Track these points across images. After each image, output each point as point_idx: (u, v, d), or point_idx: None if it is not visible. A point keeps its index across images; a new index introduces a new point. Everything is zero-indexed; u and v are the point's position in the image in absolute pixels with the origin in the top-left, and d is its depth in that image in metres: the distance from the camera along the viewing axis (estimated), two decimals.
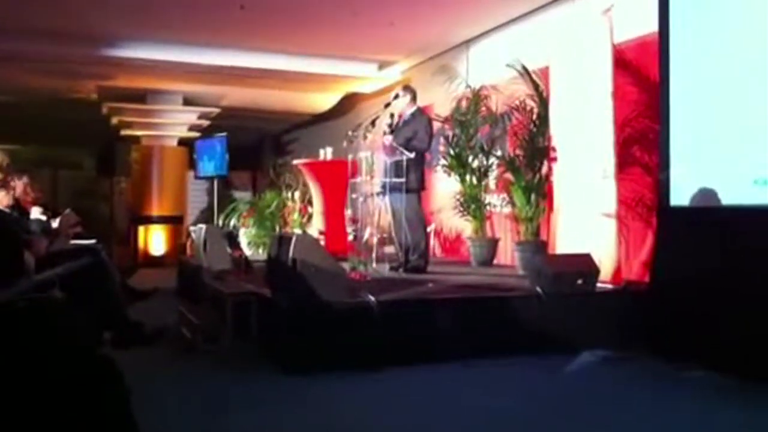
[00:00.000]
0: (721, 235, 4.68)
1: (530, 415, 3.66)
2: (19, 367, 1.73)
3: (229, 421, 3.51)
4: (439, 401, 3.90)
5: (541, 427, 3.44)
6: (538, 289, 5.07)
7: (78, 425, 1.62)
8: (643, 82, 5.97)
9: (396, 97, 6.65)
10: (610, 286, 5.44)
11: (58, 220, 6.54)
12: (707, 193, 4.88)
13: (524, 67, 6.82)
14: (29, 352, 1.81)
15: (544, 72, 6.63)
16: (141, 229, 12.89)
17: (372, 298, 4.68)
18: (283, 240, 5.06)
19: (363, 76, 10.52)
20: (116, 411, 1.76)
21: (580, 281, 5.18)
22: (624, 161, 5.88)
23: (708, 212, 4.90)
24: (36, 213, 6.56)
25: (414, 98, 6.70)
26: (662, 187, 5.25)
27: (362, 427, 3.44)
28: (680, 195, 5.08)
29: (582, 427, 3.44)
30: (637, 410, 3.74)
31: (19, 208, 6.25)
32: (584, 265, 5.26)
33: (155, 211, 12.80)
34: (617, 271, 5.59)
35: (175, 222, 12.89)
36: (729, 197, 4.73)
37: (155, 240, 12.81)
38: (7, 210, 5.46)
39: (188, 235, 10.38)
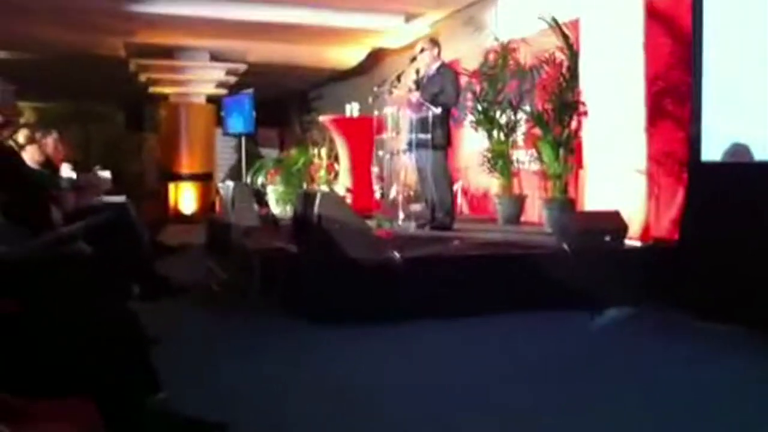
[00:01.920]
0: (753, 191, 4.58)
1: (553, 370, 3.66)
2: (44, 316, 1.76)
3: (251, 370, 3.56)
4: (460, 357, 3.93)
5: (564, 382, 3.44)
6: (565, 246, 5.03)
7: (99, 373, 1.65)
8: (676, 34, 5.79)
9: (422, 51, 6.54)
10: (638, 243, 5.37)
11: (88, 176, 6.63)
12: (740, 149, 4.77)
13: (554, 19, 6.66)
14: (52, 302, 1.84)
15: (575, 24, 6.47)
16: (171, 185, 13.01)
17: (397, 255, 4.68)
18: (308, 197, 5.07)
19: (389, 29, 10.35)
20: (136, 360, 1.79)
21: (607, 238, 5.12)
22: (655, 115, 5.75)
23: (740, 168, 4.79)
24: (66, 170, 6.64)
25: (439, 53, 6.59)
26: (693, 143, 5.14)
27: (381, 381, 3.47)
28: (712, 150, 4.97)
29: (605, 381, 3.43)
30: (660, 364, 3.73)
31: (50, 164, 6.33)
32: (612, 222, 5.19)
33: (184, 168, 12.89)
34: (646, 229, 5.52)
35: (204, 179, 12.98)
36: (761, 153, 4.62)
37: (185, 197, 12.93)
38: (37, 166, 5.53)
39: (217, 192, 10.46)
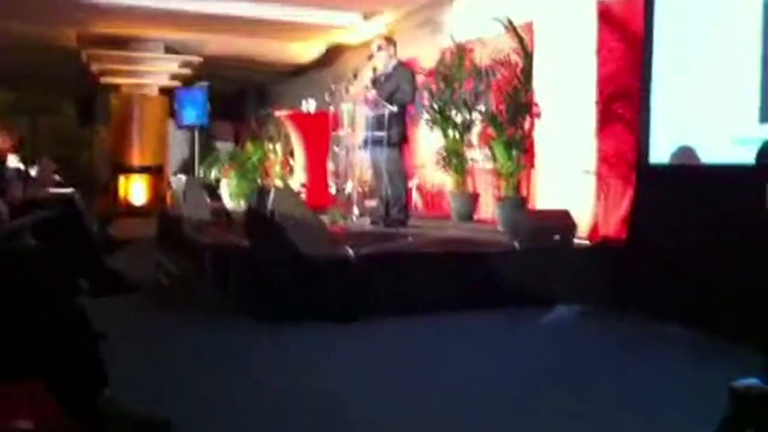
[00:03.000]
0: (699, 193, 4.71)
1: (500, 367, 3.72)
2: None
3: (204, 369, 3.54)
4: (412, 354, 3.95)
5: (510, 381, 3.50)
6: (516, 244, 5.11)
7: (47, 369, 1.63)
8: (628, 38, 5.93)
9: (378, 49, 6.56)
10: (587, 242, 5.49)
11: (35, 168, 6.48)
12: (687, 151, 4.90)
13: (509, 21, 6.75)
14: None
15: (529, 27, 6.56)
16: (121, 178, 12.78)
17: (351, 251, 4.69)
18: (262, 192, 5.05)
19: (348, 25, 10.35)
20: (84, 356, 1.77)
21: (557, 237, 5.22)
22: (606, 117, 5.87)
23: (686, 170, 4.93)
24: (13, 161, 6.48)
25: (395, 51, 6.61)
26: (642, 145, 5.27)
27: (335, 378, 3.48)
28: (660, 153, 5.10)
29: (551, 380, 3.50)
30: (607, 364, 3.81)
31: None
32: (562, 221, 5.30)
33: (136, 160, 12.67)
34: (595, 228, 5.64)
35: (155, 172, 12.77)
36: (708, 156, 4.76)
37: (136, 189, 12.71)
38: None
39: (169, 185, 10.32)
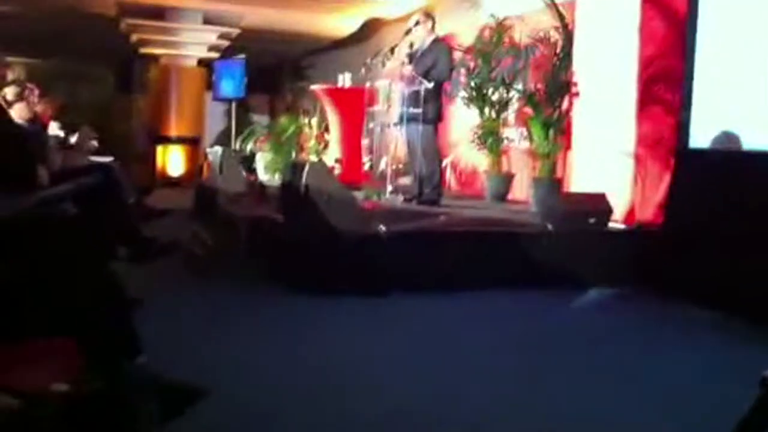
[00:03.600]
0: (739, 180, 4.63)
1: (529, 347, 3.72)
2: (28, 275, 1.77)
3: (235, 339, 3.59)
4: (439, 331, 3.97)
5: (539, 359, 3.50)
6: (549, 226, 5.07)
7: (81, 334, 1.67)
8: (672, 19, 5.79)
9: (416, 24, 6.50)
10: (622, 226, 5.42)
11: (75, 135, 6.58)
12: (728, 137, 4.80)
13: None
14: (36, 261, 1.85)
15: (571, 5, 6.45)
16: (159, 148, 12.92)
17: (383, 228, 4.70)
18: (297, 167, 5.07)
19: None
20: (119, 322, 1.81)
21: (592, 220, 5.17)
22: (646, 99, 5.77)
23: (727, 156, 4.83)
24: (54, 128, 6.59)
25: (434, 26, 6.55)
26: (682, 129, 5.18)
27: (361, 350, 3.51)
28: (701, 137, 5.00)
29: (579, 361, 3.48)
30: (636, 346, 3.79)
31: (38, 122, 6.28)
32: (597, 204, 5.24)
33: (173, 131, 12.79)
34: (631, 212, 5.56)
35: (192, 143, 12.89)
36: (751, 142, 4.66)
37: (173, 160, 12.85)
38: (24, 123, 5.48)
39: (205, 157, 10.42)
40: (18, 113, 5.44)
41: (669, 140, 5.68)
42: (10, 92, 5.65)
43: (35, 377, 1.10)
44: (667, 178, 5.61)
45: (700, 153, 5.03)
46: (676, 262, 4.91)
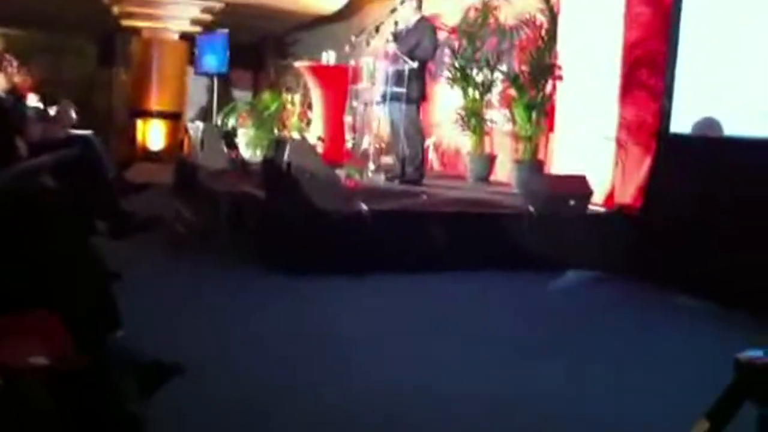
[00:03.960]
0: (719, 165, 4.67)
1: (507, 328, 3.75)
2: (3, 249, 1.75)
3: (212, 317, 3.59)
4: (420, 311, 3.99)
5: (516, 340, 3.53)
6: (530, 207, 5.10)
7: (61, 307, 1.65)
8: (657, 4, 5.81)
9: (402, 2, 6.46)
10: (602, 209, 5.46)
11: (55, 108, 6.49)
12: (709, 123, 4.83)
13: None
14: (14, 234, 1.83)
15: None
16: (140, 122, 12.78)
17: (364, 206, 4.70)
18: (279, 144, 5.04)
19: None
20: (97, 296, 1.79)
21: (572, 202, 5.20)
22: (629, 84, 5.79)
23: (707, 142, 4.87)
24: (33, 100, 6.49)
25: (420, 5, 6.51)
26: (664, 114, 5.21)
27: (340, 329, 3.52)
28: (682, 123, 5.04)
29: (555, 341, 3.52)
30: (612, 328, 3.84)
31: (16, 93, 6.17)
32: (578, 186, 5.27)
33: (154, 105, 12.63)
34: (611, 195, 5.61)
35: (174, 117, 12.75)
36: (731, 128, 4.70)
37: (153, 135, 12.71)
38: (2, 95, 5.39)
39: (186, 131, 10.33)
40: None
41: (651, 125, 5.71)
42: None
43: (16, 351, 1.09)
44: (648, 163, 5.65)
45: (681, 138, 5.07)
46: (655, 245, 4.96)
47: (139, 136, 12.77)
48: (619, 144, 5.71)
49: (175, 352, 2.37)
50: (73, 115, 6.49)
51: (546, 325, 3.86)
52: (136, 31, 12.83)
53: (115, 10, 12.42)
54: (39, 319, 1.27)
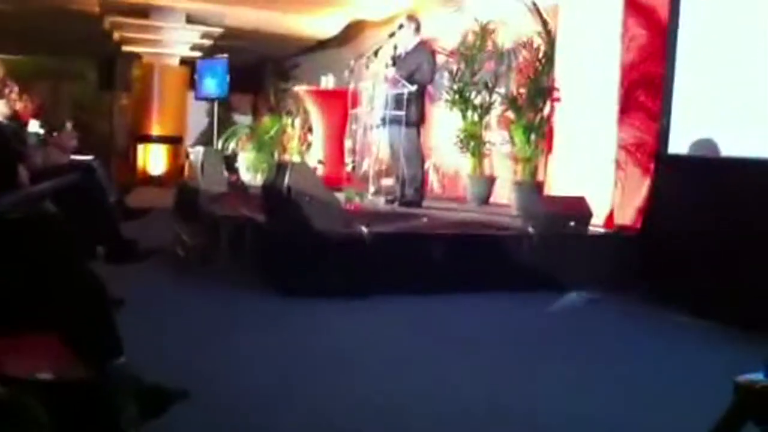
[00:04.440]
0: (717, 186, 4.68)
1: (507, 347, 3.74)
2: (6, 274, 1.76)
3: (214, 340, 3.58)
4: (419, 331, 3.99)
5: (517, 360, 3.52)
6: (530, 228, 5.11)
7: (64, 332, 1.66)
8: (654, 26, 5.86)
9: (401, 27, 6.53)
10: (602, 230, 5.47)
11: (56, 133, 6.52)
12: (707, 143, 4.86)
13: (534, 4, 6.69)
14: (16, 260, 1.84)
15: (554, 10, 6.50)
16: (141, 147, 12.83)
17: (364, 229, 4.71)
18: (279, 167, 5.07)
19: (370, 1, 10.26)
20: (99, 322, 1.80)
21: (572, 223, 5.21)
22: (627, 105, 5.83)
23: (705, 162, 4.89)
24: (34, 126, 6.53)
25: (418, 29, 6.58)
26: (662, 134, 5.23)
27: (345, 352, 3.52)
28: (680, 143, 5.06)
29: (555, 362, 3.51)
30: (612, 349, 3.83)
31: (17, 119, 6.21)
32: (577, 207, 5.28)
33: (155, 130, 12.70)
34: (611, 216, 5.62)
35: (174, 142, 12.81)
36: (728, 148, 4.72)
37: (154, 159, 12.77)
38: (3, 121, 5.43)
39: (187, 156, 10.36)
40: None
41: (649, 145, 5.74)
42: None
43: (22, 366, 1.10)
44: (647, 183, 5.67)
45: (679, 159, 5.09)
46: (654, 266, 4.97)
47: (139, 161, 12.82)
48: (618, 165, 5.73)
49: (176, 376, 2.37)
50: (74, 140, 6.53)
51: (546, 346, 3.85)
52: (136, 56, 12.93)
53: (116, 35, 12.53)
54: (44, 339, 1.28)
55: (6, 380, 1.01)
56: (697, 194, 4.83)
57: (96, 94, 17.01)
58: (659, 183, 5.36)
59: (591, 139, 5.68)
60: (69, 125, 6.76)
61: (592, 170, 5.64)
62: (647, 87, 5.89)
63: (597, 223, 5.45)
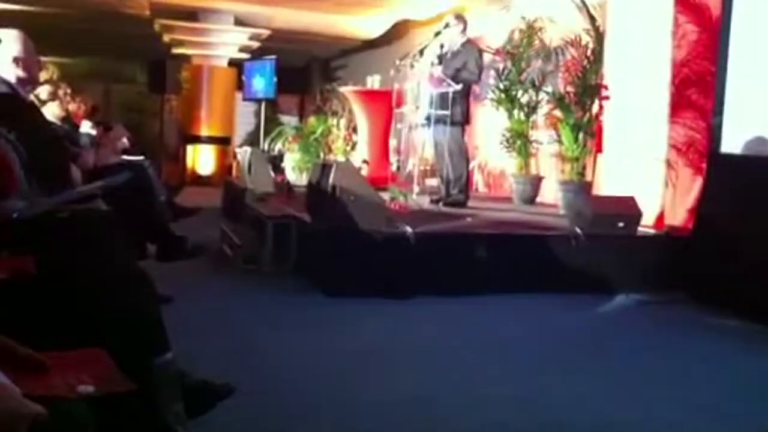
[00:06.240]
0: None
1: (552, 349, 3.70)
2: (58, 272, 1.80)
3: (259, 337, 3.62)
4: (465, 331, 3.97)
5: (561, 362, 3.48)
6: (577, 229, 5.03)
7: (108, 331, 1.69)
8: (705, 23, 5.72)
9: (447, 26, 6.50)
10: (652, 231, 5.36)
11: (108, 134, 6.66)
12: (761, 142, 4.73)
13: (582, 0, 6.60)
14: (67, 259, 1.88)
15: (603, 7, 6.40)
16: (190, 147, 13.05)
17: (409, 228, 4.71)
18: (325, 167, 5.09)
19: (416, 0, 10.26)
20: (148, 319, 1.83)
21: (621, 224, 5.12)
22: (678, 103, 5.70)
23: (759, 161, 4.75)
24: (86, 126, 6.69)
25: (465, 28, 6.54)
26: (714, 133, 5.11)
27: (388, 350, 3.52)
28: (733, 142, 4.93)
29: (602, 365, 3.45)
30: (661, 352, 3.75)
31: (70, 120, 6.38)
32: (626, 208, 5.18)
33: (204, 130, 12.91)
34: (661, 217, 5.50)
35: (222, 143, 13.01)
36: None
37: (203, 159, 12.98)
38: (57, 122, 5.57)
39: (234, 156, 10.50)
40: (51, 112, 5.53)
41: (701, 144, 5.61)
42: (43, 91, 5.74)
43: (64, 382, 1.12)
44: (698, 183, 5.54)
45: (732, 158, 4.96)
46: (706, 268, 4.84)
47: (189, 161, 13.04)
48: (669, 164, 5.61)
49: (225, 373, 2.41)
50: (126, 141, 6.66)
51: (593, 348, 3.79)
52: (186, 58, 13.15)
53: (166, 38, 12.77)
54: (87, 352, 1.30)
55: (46, 398, 1.03)
56: (751, 194, 4.69)
57: (146, 96, 17.35)
58: (711, 183, 5.23)
59: (641, 138, 5.57)
60: (120, 126, 6.90)
61: (642, 170, 5.53)
62: (699, 84, 5.75)
63: (647, 224, 5.34)
